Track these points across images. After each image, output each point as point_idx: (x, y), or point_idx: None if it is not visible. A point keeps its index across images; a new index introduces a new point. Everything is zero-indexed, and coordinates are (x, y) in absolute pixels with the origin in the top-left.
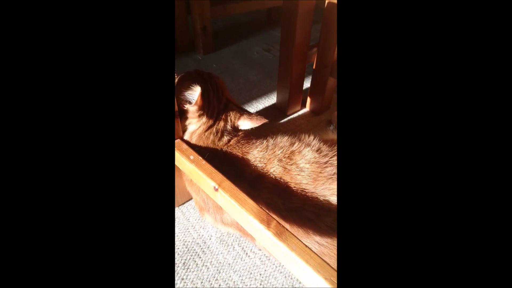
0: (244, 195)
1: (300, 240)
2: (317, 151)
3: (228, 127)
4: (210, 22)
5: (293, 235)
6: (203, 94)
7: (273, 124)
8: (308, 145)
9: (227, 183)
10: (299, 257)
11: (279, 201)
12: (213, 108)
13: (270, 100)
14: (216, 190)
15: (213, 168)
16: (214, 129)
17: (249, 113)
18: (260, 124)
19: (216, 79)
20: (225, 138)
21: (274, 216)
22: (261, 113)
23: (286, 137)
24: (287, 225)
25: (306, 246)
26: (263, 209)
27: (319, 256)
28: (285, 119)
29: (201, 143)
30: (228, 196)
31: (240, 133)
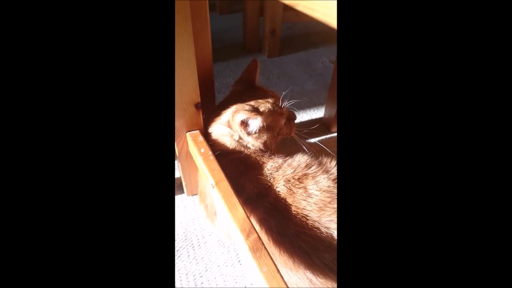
0: (236, 200)
1: (274, 265)
2: (334, 180)
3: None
4: (280, 26)
5: (270, 257)
6: None
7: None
8: (327, 171)
9: (225, 183)
10: (266, 280)
11: (273, 223)
12: None
13: (319, 113)
14: (213, 187)
15: (218, 166)
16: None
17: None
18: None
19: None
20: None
21: (266, 236)
22: (305, 124)
23: (305, 158)
24: (276, 251)
25: (278, 272)
26: (249, 220)
27: None
28: (328, 136)
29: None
30: (220, 197)
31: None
